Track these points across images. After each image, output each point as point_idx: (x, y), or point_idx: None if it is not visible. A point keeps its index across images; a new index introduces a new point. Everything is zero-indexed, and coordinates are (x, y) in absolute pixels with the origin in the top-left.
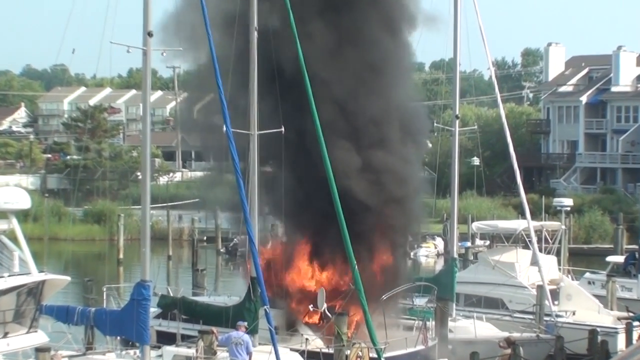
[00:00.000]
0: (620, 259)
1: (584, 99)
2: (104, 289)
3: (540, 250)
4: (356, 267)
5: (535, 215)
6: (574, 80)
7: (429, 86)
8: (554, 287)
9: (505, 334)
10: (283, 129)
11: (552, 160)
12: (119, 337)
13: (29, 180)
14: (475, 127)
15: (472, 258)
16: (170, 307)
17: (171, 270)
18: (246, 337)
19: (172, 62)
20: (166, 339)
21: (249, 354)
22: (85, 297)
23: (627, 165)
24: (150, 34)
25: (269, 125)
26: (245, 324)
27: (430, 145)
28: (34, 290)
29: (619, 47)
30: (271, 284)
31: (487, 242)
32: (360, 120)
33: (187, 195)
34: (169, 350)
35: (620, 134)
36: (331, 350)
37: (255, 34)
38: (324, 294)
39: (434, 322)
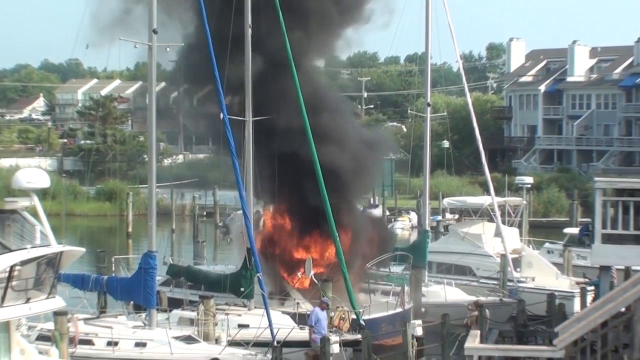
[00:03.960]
0: (575, 230)
1: (542, 88)
2: (113, 259)
3: (504, 223)
4: (338, 239)
5: (499, 192)
6: (533, 71)
7: (404, 77)
8: (516, 255)
9: (473, 298)
10: (275, 116)
11: (514, 143)
12: (132, 302)
13: (47, 163)
14: (445, 113)
15: (443, 230)
16: (178, 274)
17: (174, 242)
18: (322, 314)
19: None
20: (175, 304)
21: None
22: (98, 266)
23: (581, 147)
24: (155, 31)
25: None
26: (326, 300)
27: (404, 129)
28: (53, 261)
29: (574, 42)
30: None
31: (456, 216)
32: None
33: (188, 175)
34: (176, 313)
35: (574, 119)
36: None
37: (250, 30)
38: (311, 262)
39: (408, 288)
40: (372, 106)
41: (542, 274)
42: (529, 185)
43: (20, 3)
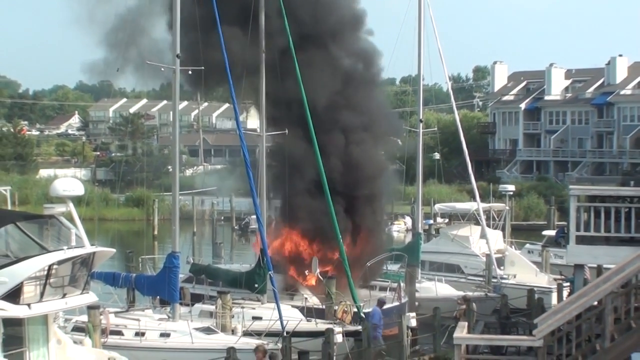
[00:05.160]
0: (552, 232)
1: (522, 105)
2: (140, 259)
3: (489, 226)
4: (341, 241)
5: (484, 199)
6: (514, 91)
7: (399, 96)
8: (500, 255)
9: (461, 293)
10: (287, 131)
11: (498, 155)
12: (158, 297)
13: (82, 173)
14: (436, 129)
15: (434, 233)
16: (199, 272)
17: (195, 243)
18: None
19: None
20: (197, 299)
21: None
22: (127, 265)
23: (557, 159)
24: (178, 56)
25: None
26: (384, 299)
27: (400, 143)
28: (87, 260)
29: (551, 64)
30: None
31: (447, 220)
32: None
33: (208, 184)
34: (197, 307)
35: (552, 134)
36: (323, 306)
37: (264, 55)
38: (317, 262)
39: (404, 284)
40: None
41: (523, 271)
42: (511, 193)
43: (60, 33)
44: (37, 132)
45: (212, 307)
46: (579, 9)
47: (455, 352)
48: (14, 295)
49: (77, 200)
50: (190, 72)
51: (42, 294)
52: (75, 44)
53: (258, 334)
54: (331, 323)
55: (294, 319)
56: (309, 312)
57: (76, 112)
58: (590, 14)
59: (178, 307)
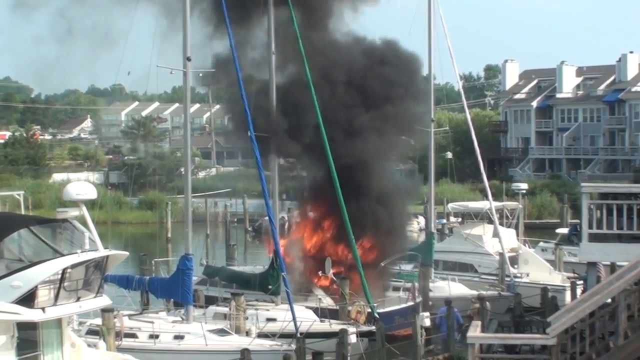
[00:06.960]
0: (565, 230)
1: (534, 104)
2: (154, 262)
3: (502, 225)
4: (354, 242)
5: (497, 197)
6: (526, 89)
7: None
8: (514, 254)
9: (475, 292)
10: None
11: (510, 153)
12: (172, 300)
13: (95, 176)
14: (448, 128)
15: (447, 232)
16: (213, 274)
17: (209, 245)
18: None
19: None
20: (211, 301)
21: (459, 324)
22: (141, 268)
23: (569, 156)
24: (189, 59)
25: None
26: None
27: (412, 142)
28: (100, 263)
29: (562, 62)
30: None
31: (460, 219)
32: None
33: (221, 186)
34: (211, 309)
35: (564, 131)
36: (337, 307)
37: (273, 57)
38: (331, 262)
39: (417, 284)
40: None
41: (537, 269)
42: (524, 191)
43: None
44: (50, 137)
45: (225, 309)
46: (589, 6)
47: (469, 351)
48: (28, 299)
49: (90, 204)
50: (200, 75)
51: (56, 298)
52: (89, 49)
53: (272, 335)
54: (345, 323)
55: (307, 320)
56: (323, 313)
57: (88, 116)
58: (601, 11)
59: (192, 309)
